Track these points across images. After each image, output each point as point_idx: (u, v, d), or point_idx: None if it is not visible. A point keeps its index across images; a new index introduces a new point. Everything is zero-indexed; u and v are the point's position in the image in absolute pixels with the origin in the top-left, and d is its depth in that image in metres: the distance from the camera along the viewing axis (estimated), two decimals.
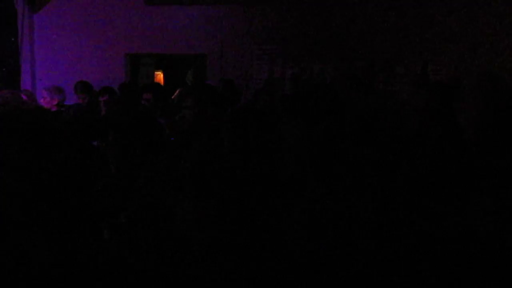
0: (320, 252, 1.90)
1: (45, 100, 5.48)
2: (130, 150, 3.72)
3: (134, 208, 2.61)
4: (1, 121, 2.23)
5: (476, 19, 6.26)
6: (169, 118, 4.28)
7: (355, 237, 1.88)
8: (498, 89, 2.58)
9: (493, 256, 1.79)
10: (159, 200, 2.49)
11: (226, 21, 6.65)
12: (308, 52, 6.56)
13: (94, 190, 2.34)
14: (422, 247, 1.85)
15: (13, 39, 6.72)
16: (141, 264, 2.10)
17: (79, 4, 6.59)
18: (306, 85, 5.74)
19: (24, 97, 4.38)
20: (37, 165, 1.96)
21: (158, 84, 6.60)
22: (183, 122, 3.17)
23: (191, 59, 7.90)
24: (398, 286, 1.80)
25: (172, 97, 5.93)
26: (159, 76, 8.92)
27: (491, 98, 2.56)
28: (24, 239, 1.79)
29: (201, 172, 2.47)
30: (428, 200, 1.98)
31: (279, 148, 2.81)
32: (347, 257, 1.85)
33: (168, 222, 2.25)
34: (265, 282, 1.87)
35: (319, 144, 2.48)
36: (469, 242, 1.83)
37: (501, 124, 2.46)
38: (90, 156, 2.99)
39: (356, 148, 2.26)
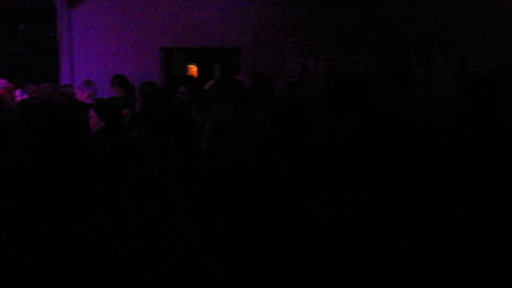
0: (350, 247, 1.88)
1: (77, 96, 5.64)
2: (163, 142, 3.77)
3: (165, 199, 2.65)
4: (27, 111, 2.31)
5: None
6: (202, 111, 4.31)
7: (381, 232, 1.86)
8: None
9: None
10: (189, 193, 2.52)
11: (259, 14, 6.62)
12: (342, 44, 6.47)
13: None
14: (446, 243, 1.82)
15: (52, 34, 6.90)
16: (169, 252, 2.13)
17: (114, 1, 6.69)
18: (340, 78, 5.66)
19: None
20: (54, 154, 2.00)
21: (192, 77, 6.65)
22: (213, 119, 3.19)
23: (225, 52, 7.92)
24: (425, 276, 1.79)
25: (205, 87, 5.98)
26: (193, 69, 8.99)
27: None
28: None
29: (234, 167, 2.48)
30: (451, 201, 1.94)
31: (313, 141, 2.78)
32: (374, 251, 1.83)
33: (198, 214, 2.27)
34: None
35: (348, 138, 2.44)
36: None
37: None
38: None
39: (385, 142, 2.22)
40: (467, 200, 1.94)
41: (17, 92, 5.11)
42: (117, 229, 2.02)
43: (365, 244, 1.90)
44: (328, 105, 3.41)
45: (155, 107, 4.04)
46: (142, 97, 4.40)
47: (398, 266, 1.80)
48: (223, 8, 6.68)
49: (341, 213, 1.99)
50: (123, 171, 2.78)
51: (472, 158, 2.09)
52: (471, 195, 1.95)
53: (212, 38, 6.72)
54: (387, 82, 3.75)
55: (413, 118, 2.90)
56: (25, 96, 4.08)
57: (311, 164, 2.54)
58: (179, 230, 2.21)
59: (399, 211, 1.98)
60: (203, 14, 6.71)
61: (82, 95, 5.34)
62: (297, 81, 5.58)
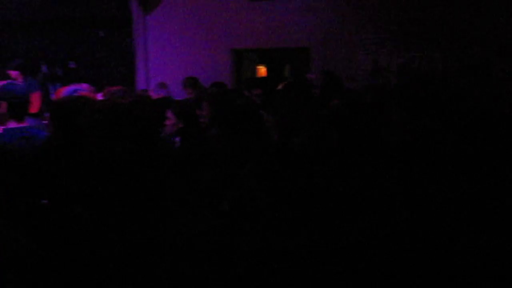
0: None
1: (151, 95, 5.86)
2: (232, 142, 3.83)
3: (237, 197, 2.68)
4: (96, 112, 2.42)
5: None
6: (274, 112, 4.33)
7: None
8: None
9: None
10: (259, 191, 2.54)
11: (329, 12, 6.55)
12: (416, 40, 6.24)
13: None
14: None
15: (129, 40, 7.23)
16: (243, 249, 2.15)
17: (187, 4, 6.90)
18: (414, 75, 5.48)
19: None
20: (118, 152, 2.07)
21: (266, 78, 6.70)
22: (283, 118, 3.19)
23: (294, 52, 7.91)
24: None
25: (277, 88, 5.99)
26: (262, 70, 9.06)
27: None
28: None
29: (306, 166, 2.47)
30: None
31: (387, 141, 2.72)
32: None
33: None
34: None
35: (422, 138, 2.36)
36: None
37: None
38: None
39: (461, 142, 2.12)
40: None
41: (99, 96, 5.40)
42: (192, 227, 2.07)
43: (443, 239, 1.85)
44: (401, 104, 3.31)
45: (227, 108, 4.10)
46: (212, 99, 4.49)
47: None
48: (293, 7, 6.67)
49: (417, 209, 1.94)
50: (199, 170, 2.86)
51: None
52: None
53: (282, 38, 6.74)
54: (465, 79, 3.57)
55: (492, 116, 2.75)
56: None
57: (385, 164, 2.49)
58: (255, 227, 2.23)
59: (474, 210, 1.91)
60: (272, 15, 6.74)
61: (156, 97, 5.54)
62: (369, 78, 5.46)
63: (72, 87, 3.81)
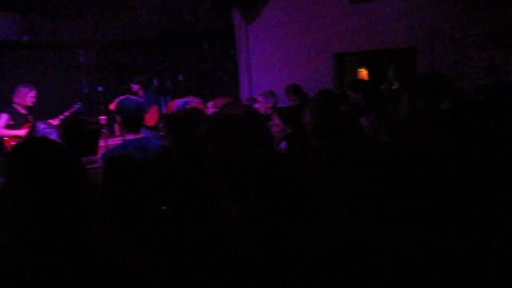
0: None
1: (260, 104, 5.98)
2: (335, 156, 3.80)
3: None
4: (212, 123, 2.51)
5: None
6: (379, 116, 4.24)
7: None
8: None
9: None
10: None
11: (436, 9, 6.25)
12: None
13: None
14: None
15: (232, 51, 7.49)
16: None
17: (288, 12, 6.99)
18: None
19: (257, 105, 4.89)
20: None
21: (367, 82, 6.57)
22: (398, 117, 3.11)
23: (399, 53, 7.66)
24: None
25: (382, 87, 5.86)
26: (363, 72, 8.90)
27: None
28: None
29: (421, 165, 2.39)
30: None
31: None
32: None
33: None
34: None
35: None
36: None
37: None
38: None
39: None
40: None
41: (209, 107, 5.68)
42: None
43: None
44: None
45: (329, 115, 4.09)
46: (314, 106, 4.50)
47: None
48: (396, 7, 6.47)
49: None
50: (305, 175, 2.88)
51: None
52: None
53: (385, 39, 6.56)
54: None
55: None
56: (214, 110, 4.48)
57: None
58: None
59: None
60: (375, 16, 6.59)
61: (265, 105, 5.68)
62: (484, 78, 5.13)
63: (182, 100, 4.03)
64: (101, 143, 7.26)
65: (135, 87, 7.48)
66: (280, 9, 7.02)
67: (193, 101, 4.05)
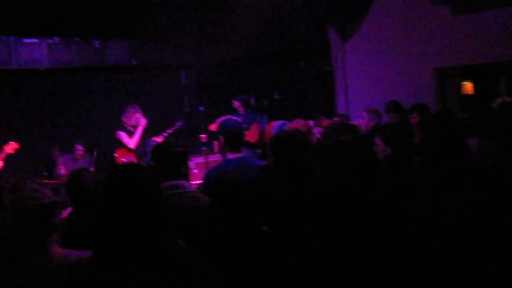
0: None
1: (363, 120, 5.87)
2: (442, 169, 3.60)
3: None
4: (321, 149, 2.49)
5: None
6: (487, 137, 3.97)
7: None
8: None
9: None
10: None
11: None
12: None
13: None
14: None
15: (328, 68, 7.47)
16: None
17: (386, 27, 6.82)
18: None
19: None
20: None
21: (476, 98, 6.21)
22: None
23: (506, 65, 7.16)
24: None
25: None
26: (467, 86, 8.41)
27: None
28: None
29: None
30: None
31: None
32: None
33: None
34: None
35: None
36: None
37: None
38: None
39: None
40: None
41: (315, 129, 5.68)
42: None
43: None
44: None
45: (432, 136, 3.92)
46: (423, 125, 4.32)
47: None
48: (505, 17, 6.06)
49: None
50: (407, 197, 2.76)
51: None
52: None
53: (495, 51, 6.14)
54: None
55: None
56: (317, 129, 4.45)
57: None
58: None
59: None
60: (483, 28, 6.21)
61: (368, 122, 5.59)
62: None
63: (280, 121, 4.07)
64: (201, 159, 7.61)
65: (237, 103, 7.73)
66: (377, 24, 6.87)
67: (290, 123, 4.09)
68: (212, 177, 3.49)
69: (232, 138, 3.76)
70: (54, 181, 6.24)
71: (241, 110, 7.69)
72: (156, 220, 1.82)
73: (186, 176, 3.32)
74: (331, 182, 2.11)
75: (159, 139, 7.17)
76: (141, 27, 7.67)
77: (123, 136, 6.95)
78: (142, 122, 6.75)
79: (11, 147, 5.48)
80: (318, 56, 7.71)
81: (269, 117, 8.77)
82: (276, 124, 4.00)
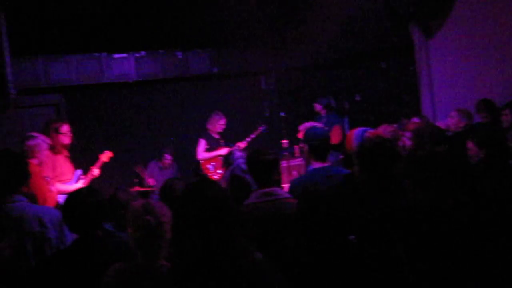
0: None
1: (453, 120, 5.62)
2: None
3: None
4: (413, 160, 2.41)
5: None
6: None
7: None
8: None
9: None
10: None
11: None
12: None
13: None
14: None
15: (411, 68, 7.22)
16: None
17: (473, 23, 6.42)
18: None
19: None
20: None
21: None
22: None
23: None
24: None
25: None
26: None
27: None
28: None
29: None
30: None
31: None
32: None
33: None
34: None
35: None
36: None
37: None
38: None
39: None
40: None
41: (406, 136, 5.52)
42: None
43: None
44: None
45: None
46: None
47: None
48: None
49: None
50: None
51: None
52: None
53: None
54: None
55: None
56: (407, 134, 4.26)
57: None
58: None
59: None
60: None
61: (458, 123, 5.38)
62: None
63: (361, 128, 3.98)
64: (284, 164, 7.66)
65: (318, 107, 7.72)
66: (464, 20, 6.52)
67: (371, 129, 4.00)
68: (299, 188, 3.52)
69: (317, 147, 3.75)
70: (144, 189, 6.58)
71: (323, 113, 7.66)
72: (227, 236, 1.95)
73: (278, 183, 3.38)
74: (427, 201, 2.05)
75: (242, 144, 7.34)
76: (220, 37, 7.89)
77: (201, 144, 7.19)
78: (223, 151, 6.99)
79: (106, 155, 5.80)
80: (400, 56, 7.48)
81: (350, 120, 8.65)
82: (357, 131, 3.93)
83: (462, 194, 2.04)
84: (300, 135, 6.78)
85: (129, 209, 2.33)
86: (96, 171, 5.68)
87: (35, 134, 5.05)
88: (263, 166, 3.20)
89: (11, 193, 2.96)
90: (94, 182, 5.41)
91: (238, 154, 4.63)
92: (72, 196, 2.75)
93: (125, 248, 2.45)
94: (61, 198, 5.03)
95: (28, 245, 2.89)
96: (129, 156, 8.05)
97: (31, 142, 4.94)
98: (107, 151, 5.88)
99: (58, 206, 5.34)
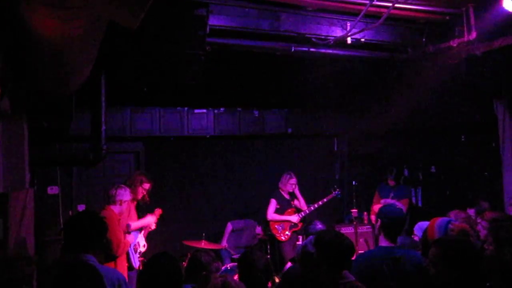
0: None
1: None
2: None
3: None
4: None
5: None
6: None
7: None
8: None
9: None
10: None
11: None
12: None
13: None
14: None
15: (493, 144, 6.94)
16: None
17: None
18: None
19: None
20: None
21: None
22: None
23: None
24: None
25: None
26: None
27: None
28: None
29: None
30: None
31: None
32: None
33: None
34: None
35: None
36: None
37: None
38: None
39: None
40: None
41: (471, 212, 5.29)
42: None
43: None
44: None
45: None
46: None
47: None
48: None
49: None
50: None
51: None
52: None
53: None
54: None
55: None
56: (482, 223, 4.10)
57: None
58: None
59: None
60: None
61: None
62: None
63: (445, 219, 3.84)
64: (350, 230, 7.51)
65: (391, 182, 7.61)
66: None
67: (456, 221, 3.85)
68: (363, 265, 3.48)
69: (389, 225, 3.71)
70: (214, 246, 6.67)
71: (392, 183, 7.55)
72: None
73: (349, 267, 3.32)
74: None
75: (313, 207, 7.33)
76: (296, 98, 8.05)
77: (272, 204, 7.25)
78: (294, 219, 7.07)
79: (157, 213, 6.17)
80: (482, 131, 7.23)
81: (423, 190, 8.39)
82: (440, 222, 3.79)
83: None
84: (376, 208, 6.69)
85: (209, 284, 2.39)
86: (153, 226, 6.04)
87: (122, 185, 5.44)
88: (340, 251, 3.18)
89: (84, 252, 3.00)
90: None
91: (319, 226, 4.63)
92: (150, 263, 2.86)
93: None
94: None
95: None
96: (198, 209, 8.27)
97: (118, 191, 5.32)
98: (158, 209, 6.20)
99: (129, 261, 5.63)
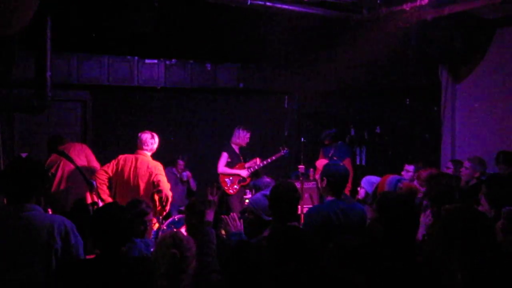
0: None
1: (466, 171, 5.67)
2: None
3: None
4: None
5: None
6: None
7: None
8: None
9: None
10: None
11: None
12: None
13: None
14: None
15: (435, 108, 7.26)
16: None
17: (505, 72, 6.44)
18: None
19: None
20: None
21: None
22: None
23: None
24: None
25: None
26: None
27: None
28: None
29: None
30: None
31: None
32: None
33: None
34: None
35: None
36: None
37: None
38: None
39: None
40: None
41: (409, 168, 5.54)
42: None
43: None
44: None
45: None
46: None
47: None
48: None
49: None
50: None
51: None
52: None
53: None
54: None
55: None
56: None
57: None
58: None
59: None
60: None
61: (472, 173, 5.42)
62: None
63: (395, 177, 4.04)
64: (297, 185, 7.71)
65: (326, 137, 7.85)
66: (495, 68, 6.54)
67: (406, 179, 4.07)
68: (316, 217, 3.64)
69: (335, 183, 3.86)
70: None
71: (326, 142, 7.83)
72: None
73: (298, 218, 3.47)
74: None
75: (261, 163, 7.41)
76: (250, 54, 8.01)
77: (223, 157, 7.27)
78: (244, 173, 7.14)
79: None
80: (425, 95, 7.52)
81: (367, 150, 8.70)
82: (391, 179, 3.99)
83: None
84: (320, 164, 6.87)
85: (159, 239, 2.43)
86: None
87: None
88: (291, 202, 3.30)
89: (26, 202, 2.85)
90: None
91: (267, 180, 4.70)
92: (99, 212, 2.82)
93: (147, 266, 2.48)
94: None
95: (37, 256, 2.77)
96: None
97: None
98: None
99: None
